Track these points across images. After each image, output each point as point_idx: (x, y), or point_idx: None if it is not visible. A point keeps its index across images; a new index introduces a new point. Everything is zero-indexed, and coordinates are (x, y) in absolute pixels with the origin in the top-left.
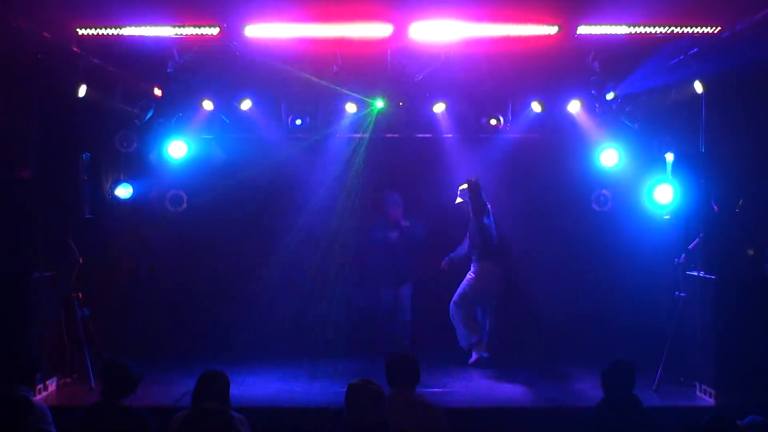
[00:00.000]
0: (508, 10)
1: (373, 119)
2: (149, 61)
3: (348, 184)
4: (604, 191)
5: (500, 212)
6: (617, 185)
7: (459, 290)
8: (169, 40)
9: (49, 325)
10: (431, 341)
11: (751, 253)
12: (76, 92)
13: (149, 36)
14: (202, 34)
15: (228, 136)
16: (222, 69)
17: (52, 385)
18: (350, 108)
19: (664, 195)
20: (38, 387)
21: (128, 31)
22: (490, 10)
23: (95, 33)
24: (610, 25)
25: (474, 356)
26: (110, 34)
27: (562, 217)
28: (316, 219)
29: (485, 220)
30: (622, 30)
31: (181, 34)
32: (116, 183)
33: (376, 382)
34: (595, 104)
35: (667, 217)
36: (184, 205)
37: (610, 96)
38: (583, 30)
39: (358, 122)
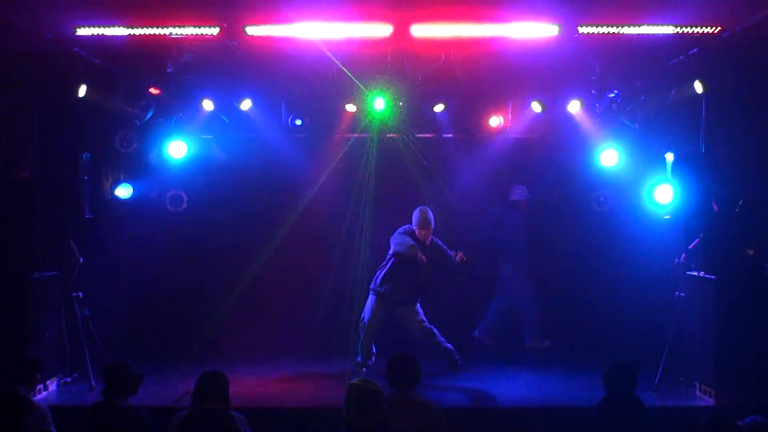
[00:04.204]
0: (509, 10)
1: (373, 120)
2: (149, 61)
3: (348, 184)
4: (603, 191)
5: (501, 212)
6: (617, 185)
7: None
8: (169, 40)
9: (49, 325)
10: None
11: (751, 253)
12: (76, 92)
13: (149, 36)
14: (202, 34)
15: (228, 136)
16: (222, 69)
17: (52, 385)
18: (350, 108)
19: (664, 195)
20: (38, 387)
21: (128, 31)
22: (491, 10)
23: (95, 33)
24: (610, 25)
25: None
26: (110, 34)
27: (562, 217)
28: (316, 219)
29: None
30: (622, 30)
31: (181, 34)
32: (116, 183)
33: (376, 382)
34: (595, 104)
35: (667, 217)
36: (184, 205)
37: (610, 96)
38: (583, 30)
39: (358, 122)
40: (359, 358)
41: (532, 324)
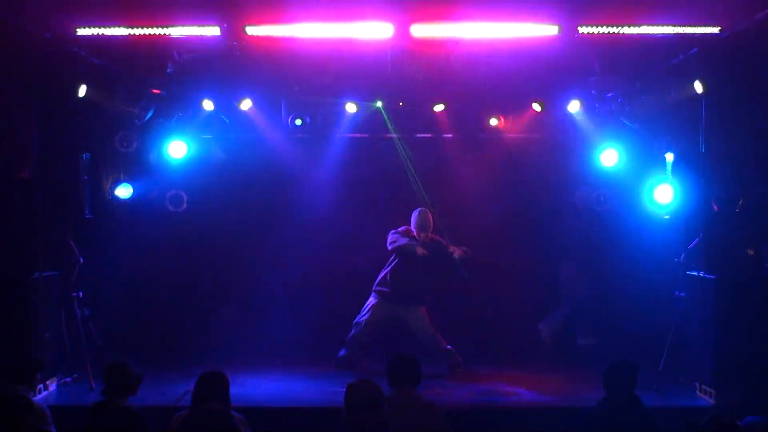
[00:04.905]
0: (508, 10)
1: (373, 119)
2: (149, 61)
3: (348, 184)
4: (603, 191)
5: (500, 212)
6: (617, 185)
7: None
8: (169, 40)
9: (49, 325)
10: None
11: (751, 253)
12: (76, 92)
13: (149, 36)
14: (202, 34)
15: (228, 136)
16: (222, 69)
17: (52, 385)
18: (350, 108)
19: (664, 195)
20: (38, 387)
21: (128, 31)
22: (491, 10)
23: (95, 33)
24: (610, 25)
25: None
26: (110, 34)
27: (562, 217)
28: (315, 219)
29: None
30: (622, 30)
31: (181, 34)
32: (116, 183)
33: (376, 382)
34: (595, 104)
35: (667, 217)
36: (184, 205)
37: (610, 96)
38: (583, 30)
39: (358, 122)
40: (342, 352)
41: (554, 321)
